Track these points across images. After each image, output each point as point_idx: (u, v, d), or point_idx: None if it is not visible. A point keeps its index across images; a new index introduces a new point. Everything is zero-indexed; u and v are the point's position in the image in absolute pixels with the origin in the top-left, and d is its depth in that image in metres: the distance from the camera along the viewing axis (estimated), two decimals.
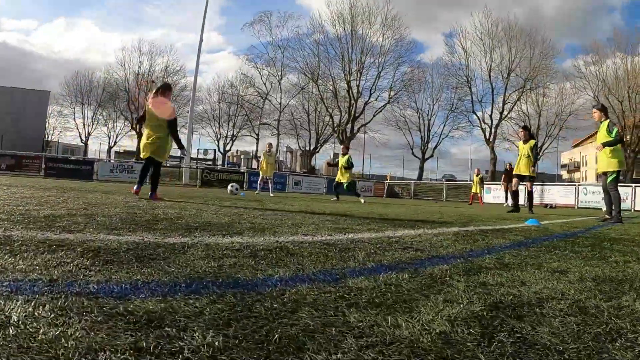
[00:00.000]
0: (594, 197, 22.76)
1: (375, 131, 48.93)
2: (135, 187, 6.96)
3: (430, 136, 50.37)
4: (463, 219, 5.97)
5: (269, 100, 49.70)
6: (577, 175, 72.32)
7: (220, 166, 42.87)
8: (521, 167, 10.58)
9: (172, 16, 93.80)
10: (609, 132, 8.00)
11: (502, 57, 45.43)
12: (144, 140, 7.04)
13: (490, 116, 46.60)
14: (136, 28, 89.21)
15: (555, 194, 24.31)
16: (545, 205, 21.27)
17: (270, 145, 16.67)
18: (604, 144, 8.01)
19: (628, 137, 42.17)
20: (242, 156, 64.36)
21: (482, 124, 46.80)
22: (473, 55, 46.65)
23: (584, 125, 49.18)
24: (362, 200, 13.40)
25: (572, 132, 50.38)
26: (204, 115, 51.19)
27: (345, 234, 3.15)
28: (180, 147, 7.43)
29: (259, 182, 16.63)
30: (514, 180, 10.86)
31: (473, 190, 21.39)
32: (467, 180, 37.92)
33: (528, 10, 58.89)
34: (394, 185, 35.78)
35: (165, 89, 7.22)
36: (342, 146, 15.09)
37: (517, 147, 11.03)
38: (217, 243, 2.37)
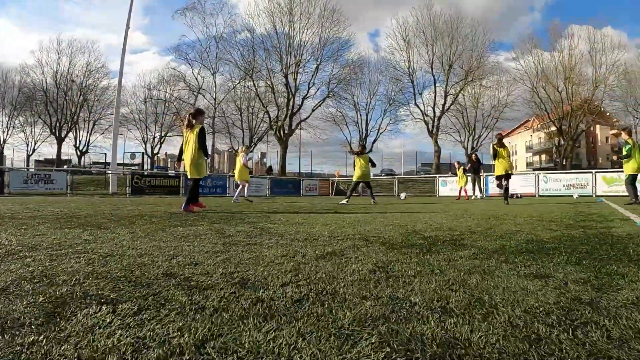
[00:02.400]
0: (554, 184, 22.76)
1: (314, 127, 47.45)
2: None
3: (369, 131, 49.72)
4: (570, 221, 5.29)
5: (203, 95, 46.34)
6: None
7: (148, 170, 39.91)
8: (507, 167, 12.28)
9: (94, 14, 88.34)
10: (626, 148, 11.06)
11: (444, 49, 45.36)
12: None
13: (433, 108, 46.41)
14: (56, 27, 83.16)
15: (515, 184, 23.88)
16: (512, 196, 20.62)
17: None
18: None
19: (565, 126, 43.90)
20: (169, 159, 61.00)
21: (425, 117, 46.55)
22: (416, 48, 46.29)
23: (519, 116, 50.94)
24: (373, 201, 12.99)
25: (507, 123, 51.77)
26: (129, 117, 47.80)
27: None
28: (206, 155, 7.69)
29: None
30: (502, 179, 12.54)
31: (459, 184, 19.75)
32: (412, 174, 37.50)
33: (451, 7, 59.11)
34: (339, 183, 34.39)
35: (196, 114, 7.65)
36: (359, 145, 13.57)
37: (496, 150, 12.40)
38: None
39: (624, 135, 11.37)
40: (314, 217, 6.25)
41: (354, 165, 13.48)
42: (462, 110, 47.06)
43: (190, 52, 46.01)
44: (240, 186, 14.27)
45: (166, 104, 47.78)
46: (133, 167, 42.90)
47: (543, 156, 67.19)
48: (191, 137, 7.46)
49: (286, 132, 44.63)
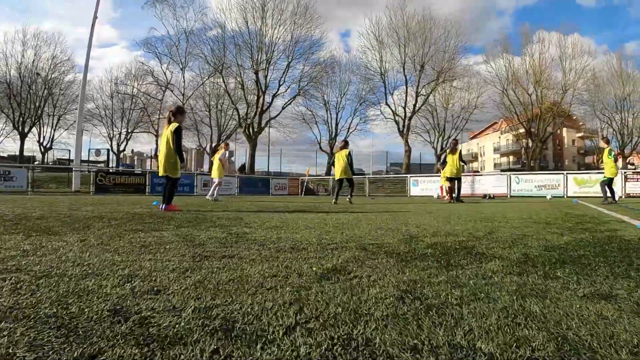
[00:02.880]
0: (526, 185, 22.85)
1: (285, 125, 46.84)
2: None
3: (338, 130, 49.30)
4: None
5: (171, 91, 44.87)
6: (475, 165, 75.74)
7: (114, 168, 38.34)
8: (455, 172, 13.85)
9: (63, 6, 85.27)
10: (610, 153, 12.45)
11: (416, 49, 45.28)
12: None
13: (404, 108, 46.26)
14: (22, 18, 79.78)
15: (487, 184, 23.90)
16: (484, 196, 20.47)
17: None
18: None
19: (534, 129, 44.77)
20: (136, 157, 59.24)
21: (395, 116, 46.42)
22: (388, 48, 46.12)
23: (488, 118, 51.60)
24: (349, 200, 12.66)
25: (477, 125, 52.31)
26: (95, 112, 45.96)
27: None
28: (181, 159, 7.39)
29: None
30: (450, 182, 14.38)
31: (442, 183, 19.18)
32: (381, 174, 37.21)
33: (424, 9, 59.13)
34: (309, 182, 33.65)
35: (176, 112, 7.36)
36: (340, 140, 13.44)
37: (446, 155, 14.03)
38: None
39: (603, 144, 13.20)
40: (292, 218, 5.67)
41: (333, 164, 13.03)
42: (432, 111, 47.27)
43: (159, 46, 44.62)
44: (215, 182, 14.07)
45: (133, 99, 46.10)
46: (99, 165, 41.23)
47: (511, 157, 68.24)
48: (166, 135, 7.21)
49: (255, 130, 43.77)
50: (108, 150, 46.30)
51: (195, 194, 23.82)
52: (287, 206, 9.64)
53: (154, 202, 9.69)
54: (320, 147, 48.91)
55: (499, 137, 69.69)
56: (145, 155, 62.90)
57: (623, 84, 44.57)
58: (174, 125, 7.13)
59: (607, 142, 13.25)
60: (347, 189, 13.06)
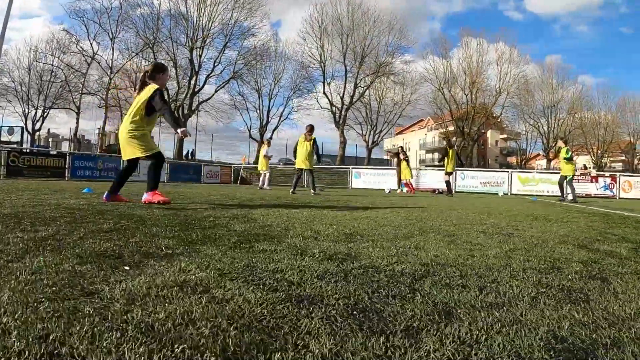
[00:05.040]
0: (471, 181, 23.38)
1: (217, 109, 44.90)
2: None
3: (270, 118, 48.08)
4: None
5: (98, 63, 40.97)
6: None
7: (28, 149, 34.90)
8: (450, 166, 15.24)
9: None
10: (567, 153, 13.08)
11: (359, 41, 45.17)
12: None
13: (342, 98, 45.91)
14: None
15: (432, 179, 23.91)
16: (434, 191, 20.32)
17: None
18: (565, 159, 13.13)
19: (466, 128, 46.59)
20: (51, 139, 54.73)
21: (332, 107, 46.05)
22: (330, 36, 45.53)
23: (420, 114, 53.00)
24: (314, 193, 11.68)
25: (409, 120, 53.41)
26: (9, 86, 41.39)
27: None
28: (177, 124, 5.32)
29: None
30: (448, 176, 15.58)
31: (405, 177, 18.41)
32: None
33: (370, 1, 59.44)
34: (240, 170, 32.31)
35: (154, 71, 5.50)
36: (306, 127, 12.17)
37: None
38: None
39: (561, 143, 14.37)
40: (311, 217, 4.30)
41: (295, 152, 12.26)
42: (366, 104, 47.43)
43: (88, 12, 40.07)
44: (263, 175, 16.52)
45: (53, 73, 41.75)
46: (11, 145, 37.33)
47: (436, 154, 70.37)
48: (138, 100, 5.33)
49: (186, 112, 41.57)
50: (22, 128, 42.10)
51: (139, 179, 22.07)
52: (234, 197, 7.82)
53: (85, 189, 8.01)
54: (250, 135, 47.56)
55: (425, 134, 72.44)
56: (61, 137, 58.34)
57: (553, 92, 48.54)
58: (153, 87, 5.26)
59: (565, 142, 14.16)
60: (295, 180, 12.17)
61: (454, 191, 15.57)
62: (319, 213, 5.07)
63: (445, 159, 15.03)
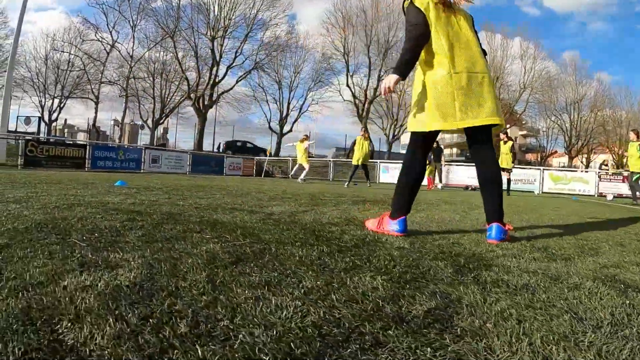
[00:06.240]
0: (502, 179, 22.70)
1: (238, 99, 43.93)
2: None
3: (289, 110, 46.80)
4: None
5: (118, 51, 39.79)
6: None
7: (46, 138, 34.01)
8: (502, 162, 13.31)
9: None
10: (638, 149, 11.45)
11: (382, 33, 43.79)
12: None
13: (365, 92, 44.51)
14: None
15: (462, 175, 22.88)
16: (466, 187, 19.49)
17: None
18: None
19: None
20: (66, 130, 54.12)
21: (355, 100, 44.78)
22: (354, 27, 44.13)
23: None
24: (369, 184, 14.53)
25: None
26: (26, 76, 40.03)
27: None
28: None
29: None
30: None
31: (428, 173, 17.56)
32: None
33: None
34: (262, 162, 31.45)
35: None
36: (361, 128, 15.39)
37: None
38: None
39: (633, 136, 11.94)
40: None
41: (352, 149, 14.01)
42: (388, 97, 46.16)
43: (108, 0, 38.74)
44: (306, 169, 16.90)
45: (70, 62, 40.48)
46: (28, 135, 36.52)
47: (454, 149, 69.09)
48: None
49: (206, 103, 40.55)
50: (39, 118, 41.32)
51: (142, 170, 21.30)
52: (274, 195, 5.89)
53: (118, 182, 7.21)
54: (270, 127, 46.55)
55: None
56: (76, 128, 57.84)
57: (575, 88, 47.48)
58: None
59: (638, 134, 11.89)
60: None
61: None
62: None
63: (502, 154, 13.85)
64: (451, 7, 2.93)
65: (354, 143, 13.98)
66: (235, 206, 4.23)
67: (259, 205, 4.48)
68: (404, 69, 2.86)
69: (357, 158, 13.67)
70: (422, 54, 2.92)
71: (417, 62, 2.96)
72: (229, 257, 1.85)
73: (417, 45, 2.86)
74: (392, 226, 2.81)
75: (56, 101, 42.61)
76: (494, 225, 2.77)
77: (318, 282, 1.51)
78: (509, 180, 13.91)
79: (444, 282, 1.64)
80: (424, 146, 3.02)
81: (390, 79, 2.85)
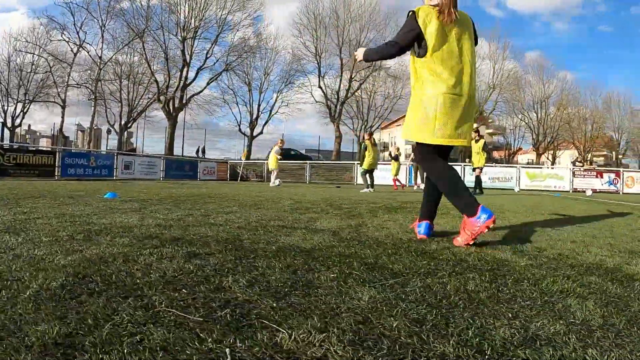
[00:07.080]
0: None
1: (208, 101, 43.31)
2: None
3: (260, 112, 46.21)
4: None
5: (87, 52, 38.17)
6: (385, 154, 77.14)
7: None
8: (474, 161, 13.61)
9: None
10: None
11: (355, 34, 43.92)
12: None
13: (337, 92, 44.53)
14: None
15: None
16: None
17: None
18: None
19: None
20: (28, 136, 52.43)
21: (327, 101, 44.77)
22: (326, 28, 44.16)
23: (403, 109, 51.97)
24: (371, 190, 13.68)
25: (395, 115, 52.40)
26: None
27: None
28: None
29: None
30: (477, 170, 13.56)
31: (392, 173, 18.36)
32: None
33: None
34: (236, 166, 31.02)
35: None
36: (366, 134, 15.00)
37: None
38: None
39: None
40: None
41: (364, 154, 14.28)
42: (357, 98, 46.37)
43: None
44: (274, 173, 17.12)
45: (34, 64, 38.75)
46: None
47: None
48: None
49: (177, 106, 39.76)
50: (2, 124, 39.77)
51: (114, 177, 20.72)
52: (299, 200, 5.48)
53: (108, 194, 6.71)
54: (240, 130, 45.94)
55: None
56: (39, 134, 56.02)
57: (543, 86, 49.21)
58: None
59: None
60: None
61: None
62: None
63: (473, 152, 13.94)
64: (456, 19, 2.95)
65: (365, 149, 14.32)
66: (281, 223, 3.79)
67: (300, 220, 4.10)
68: (372, 56, 3.19)
69: (369, 163, 14.08)
70: (419, 67, 3.00)
71: (414, 76, 3.07)
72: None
73: (390, 55, 3.04)
74: (478, 222, 2.75)
75: (19, 106, 40.77)
76: (424, 222, 3.20)
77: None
78: (478, 177, 13.54)
79: None
80: (432, 152, 3.11)
81: (359, 53, 3.25)
